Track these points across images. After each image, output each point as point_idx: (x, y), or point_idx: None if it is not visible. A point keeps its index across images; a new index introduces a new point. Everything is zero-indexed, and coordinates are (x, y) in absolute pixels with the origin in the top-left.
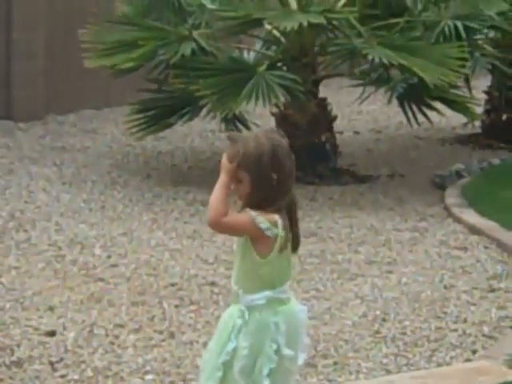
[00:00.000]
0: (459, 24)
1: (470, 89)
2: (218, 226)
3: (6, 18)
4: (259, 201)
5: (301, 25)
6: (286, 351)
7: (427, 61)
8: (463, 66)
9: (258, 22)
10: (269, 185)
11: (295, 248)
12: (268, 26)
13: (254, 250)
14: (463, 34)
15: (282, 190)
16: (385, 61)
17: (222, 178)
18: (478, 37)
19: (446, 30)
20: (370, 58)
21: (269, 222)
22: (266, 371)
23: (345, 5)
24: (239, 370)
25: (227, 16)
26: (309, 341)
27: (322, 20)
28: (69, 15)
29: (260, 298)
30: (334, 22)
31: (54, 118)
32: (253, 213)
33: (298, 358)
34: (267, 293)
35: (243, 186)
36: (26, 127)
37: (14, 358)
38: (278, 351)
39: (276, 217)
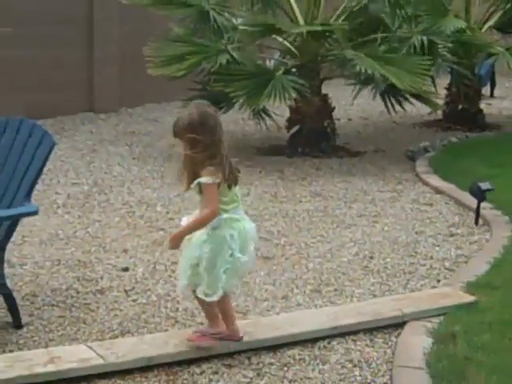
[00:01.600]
0: (425, 38)
1: (435, 86)
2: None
3: (88, 37)
4: (200, 158)
5: (303, 32)
6: (239, 255)
7: (400, 69)
8: (427, 74)
9: (274, 31)
10: (202, 145)
11: (235, 184)
12: (279, 39)
13: None
14: (426, 47)
15: (215, 146)
16: (369, 71)
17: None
18: (440, 47)
19: (416, 43)
20: (358, 68)
21: (209, 176)
22: (223, 269)
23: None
24: (204, 268)
25: (250, 23)
26: (255, 250)
27: (319, 28)
28: (135, 34)
29: (217, 220)
30: (331, 34)
31: (125, 110)
32: (204, 180)
33: (248, 261)
34: (223, 216)
35: (185, 148)
36: (104, 117)
37: (98, 288)
38: (232, 255)
39: (212, 169)
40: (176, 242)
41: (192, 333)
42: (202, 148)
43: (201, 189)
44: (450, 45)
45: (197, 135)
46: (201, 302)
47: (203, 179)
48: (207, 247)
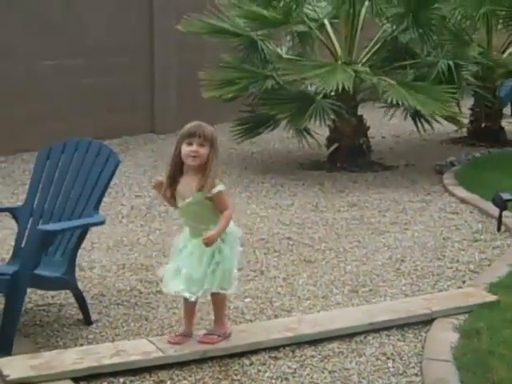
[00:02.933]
0: (451, 63)
1: (459, 107)
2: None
3: (149, 66)
4: (213, 166)
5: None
6: (239, 248)
7: (428, 97)
8: (452, 101)
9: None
10: (218, 155)
11: None
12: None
13: None
14: (453, 69)
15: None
16: (399, 101)
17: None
18: (465, 72)
19: (443, 66)
20: (389, 99)
21: (221, 185)
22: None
23: (372, 53)
24: (224, 268)
25: (287, 78)
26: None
27: (350, 83)
28: (191, 63)
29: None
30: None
31: None
32: (221, 188)
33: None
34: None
35: (204, 150)
36: (164, 137)
37: (158, 289)
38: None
39: (218, 180)
40: (214, 241)
41: (203, 336)
42: (214, 158)
43: (213, 197)
44: (473, 69)
45: (216, 147)
46: (218, 300)
47: (221, 187)
48: (226, 248)
